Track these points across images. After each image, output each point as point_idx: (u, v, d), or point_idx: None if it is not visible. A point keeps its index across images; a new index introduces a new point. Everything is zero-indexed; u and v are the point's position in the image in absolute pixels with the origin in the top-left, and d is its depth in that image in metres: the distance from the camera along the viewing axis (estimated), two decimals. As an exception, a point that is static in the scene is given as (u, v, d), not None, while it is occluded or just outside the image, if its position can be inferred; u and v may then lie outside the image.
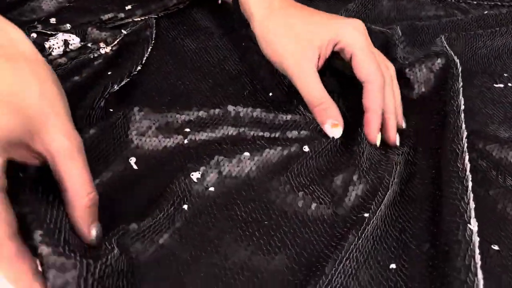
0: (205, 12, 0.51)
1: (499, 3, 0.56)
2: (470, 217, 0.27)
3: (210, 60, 0.44)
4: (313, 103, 0.36)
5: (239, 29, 0.48)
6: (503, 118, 0.42)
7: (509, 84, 0.47)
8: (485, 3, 0.56)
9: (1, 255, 0.21)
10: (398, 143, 0.37)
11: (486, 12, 0.54)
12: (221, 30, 0.49)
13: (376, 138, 0.36)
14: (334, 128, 0.35)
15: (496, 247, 0.29)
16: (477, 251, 0.25)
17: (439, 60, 0.43)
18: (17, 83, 0.24)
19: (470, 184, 0.29)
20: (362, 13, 0.53)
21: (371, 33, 0.49)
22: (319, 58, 0.37)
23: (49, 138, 0.24)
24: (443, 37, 0.47)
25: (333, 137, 0.35)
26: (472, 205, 0.28)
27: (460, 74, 0.40)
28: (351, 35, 0.37)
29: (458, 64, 0.41)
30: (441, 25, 0.52)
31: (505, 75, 0.48)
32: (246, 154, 0.33)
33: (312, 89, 0.36)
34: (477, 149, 0.37)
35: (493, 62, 0.49)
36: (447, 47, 0.45)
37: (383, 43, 0.47)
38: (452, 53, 0.44)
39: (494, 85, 0.47)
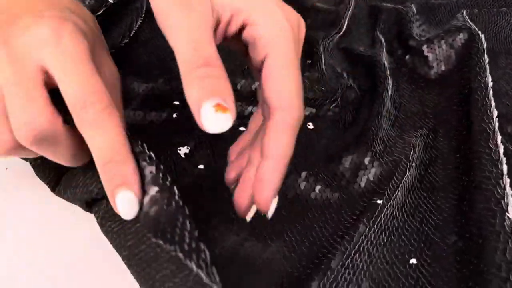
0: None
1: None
2: (508, 204, 0.23)
3: None
4: (191, 63, 0.21)
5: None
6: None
7: (537, 66, 0.42)
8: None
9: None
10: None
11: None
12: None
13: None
14: (219, 113, 0.20)
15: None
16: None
17: (461, 35, 0.38)
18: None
19: (505, 167, 0.25)
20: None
21: (382, 10, 0.45)
22: (215, 27, 0.23)
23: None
24: (464, 12, 0.43)
25: (334, 113, 0.30)
26: (509, 191, 0.23)
27: (486, 50, 0.36)
28: (271, 19, 0.23)
29: (483, 39, 0.37)
30: (459, 3, 0.48)
31: (532, 56, 0.43)
32: (242, 129, 0.28)
33: (201, 39, 0.21)
34: (505, 133, 0.33)
35: (517, 43, 0.45)
36: (469, 21, 0.41)
37: (396, 20, 0.43)
38: (476, 28, 0.40)
39: (520, 66, 0.43)
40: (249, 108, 0.32)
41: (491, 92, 0.31)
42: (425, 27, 0.43)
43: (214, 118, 0.20)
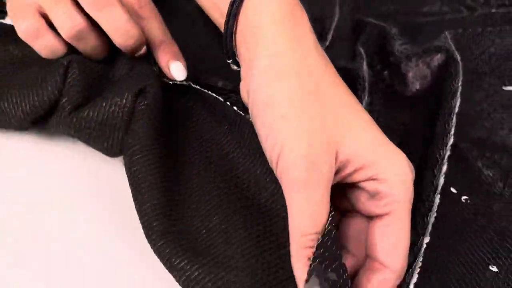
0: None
1: (507, 3, 0.51)
2: (424, 233, 0.22)
3: (192, 48, 0.40)
4: (302, 242, 0.21)
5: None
6: (513, 124, 0.37)
7: (520, 87, 0.42)
8: (492, 1, 0.51)
9: None
10: None
11: (493, 10, 0.49)
12: (205, 15, 0.45)
13: None
14: None
15: (494, 268, 0.24)
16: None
17: (438, 56, 0.38)
18: None
19: (437, 199, 0.24)
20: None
21: (367, 25, 0.45)
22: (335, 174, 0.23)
23: None
24: (447, 33, 0.42)
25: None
26: (431, 221, 0.23)
27: (461, 74, 0.35)
28: (404, 182, 0.22)
29: (459, 61, 0.36)
30: (444, 22, 0.47)
31: (515, 77, 0.43)
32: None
33: (316, 216, 0.21)
34: (483, 157, 0.32)
35: (502, 62, 0.44)
36: (450, 42, 0.41)
37: (379, 35, 0.43)
38: (455, 50, 0.39)
39: (503, 87, 0.42)
40: None
41: (454, 119, 0.31)
42: (407, 46, 0.42)
43: None
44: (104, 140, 0.29)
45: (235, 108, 0.31)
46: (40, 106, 0.29)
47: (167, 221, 0.25)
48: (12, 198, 0.30)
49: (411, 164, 0.23)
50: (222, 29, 0.27)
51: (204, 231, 0.25)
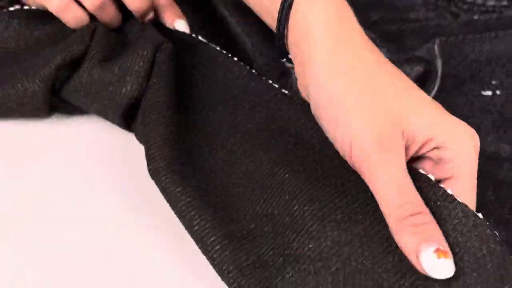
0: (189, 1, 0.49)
1: (490, 9, 0.54)
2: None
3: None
4: (402, 210, 0.23)
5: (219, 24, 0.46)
6: (491, 128, 0.40)
7: (497, 92, 0.45)
8: (476, 8, 0.54)
9: None
10: None
11: (475, 17, 0.52)
12: (201, 22, 0.47)
13: None
14: (442, 259, 0.21)
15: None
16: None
17: (418, 67, 0.40)
18: None
19: None
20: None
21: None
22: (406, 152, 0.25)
23: None
24: (431, 43, 0.45)
25: None
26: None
27: (437, 85, 0.38)
28: (465, 148, 0.25)
29: (439, 73, 0.39)
30: (429, 29, 0.50)
31: (493, 82, 0.46)
32: None
33: (403, 186, 0.23)
34: None
35: (482, 68, 0.47)
36: (435, 50, 0.43)
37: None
38: (439, 58, 0.42)
39: (482, 92, 0.45)
40: None
41: None
42: (389, 55, 0.45)
43: (437, 264, 0.21)
44: (124, 85, 0.34)
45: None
46: (71, 58, 0.35)
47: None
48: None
49: (474, 132, 0.25)
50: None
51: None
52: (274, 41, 0.30)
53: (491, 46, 0.47)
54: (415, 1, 0.52)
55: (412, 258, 0.22)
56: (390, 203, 0.23)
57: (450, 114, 0.26)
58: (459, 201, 0.23)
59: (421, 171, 0.25)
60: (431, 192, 0.24)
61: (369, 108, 0.24)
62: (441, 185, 0.24)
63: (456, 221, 0.23)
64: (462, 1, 0.55)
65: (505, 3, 0.55)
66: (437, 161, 0.25)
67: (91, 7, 0.37)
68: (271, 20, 0.31)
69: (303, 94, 0.30)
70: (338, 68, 0.25)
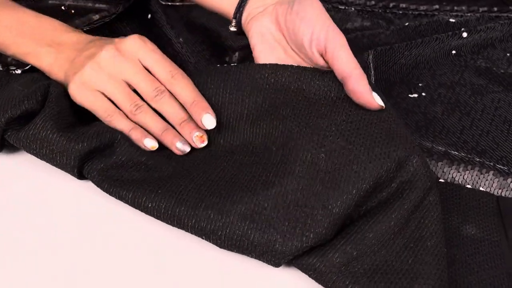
0: (134, 26, 0.52)
1: (423, 13, 0.58)
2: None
3: None
4: (351, 72, 0.34)
5: (166, 46, 0.49)
6: (415, 128, 0.44)
7: (423, 94, 0.49)
8: (410, 12, 0.58)
9: None
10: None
11: (407, 23, 0.56)
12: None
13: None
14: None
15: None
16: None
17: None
18: None
19: None
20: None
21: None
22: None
23: None
24: (366, 54, 0.48)
25: None
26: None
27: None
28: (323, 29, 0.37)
29: (372, 81, 0.43)
30: (364, 38, 0.54)
31: (420, 85, 0.50)
32: None
33: (348, 58, 0.34)
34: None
35: (410, 71, 0.51)
36: (370, 60, 0.47)
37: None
38: (372, 71, 0.46)
39: (409, 95, 0.49)
40: None
41: None
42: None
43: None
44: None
45: None
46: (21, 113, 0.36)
47: None
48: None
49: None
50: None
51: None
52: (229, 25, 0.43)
53: (418, 50, 0.51)
54: (351, 11, 0.56)
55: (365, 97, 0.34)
56: (350, 66, 0.34)
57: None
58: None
59: None
60: None
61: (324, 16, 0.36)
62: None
63: None
64: (397, 7, 0.59)
65: (436, 6, 0.59)
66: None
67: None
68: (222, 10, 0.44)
69: (261, 57, 0.40)
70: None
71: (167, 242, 0.34)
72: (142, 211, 0.35)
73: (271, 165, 0.35)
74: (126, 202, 0.35)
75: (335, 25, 0.36)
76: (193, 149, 0.38)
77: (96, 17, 0.49)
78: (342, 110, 0.35)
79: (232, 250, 0.32)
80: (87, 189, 0.37)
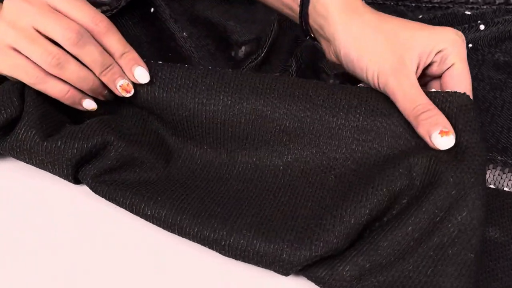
0: (136, 20, 0.50)
1: (437, 5, 0.56)
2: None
3: None
4: (416, 110, 0.32)
5: (169, 40, 0.47)
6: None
7: (439, 90, 0.46)
8: (423, 5, 0.56)
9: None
10: None
11: (421, 16, 0.53)
12: (149, 38, 0.48)
13: None
14: (444, 136, 0.30)
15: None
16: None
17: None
18: None
19: None
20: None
21: (302, 41, 0.48)
22: (418, 67, 0.34)
23: None
24: None
25: None
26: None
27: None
28: (456, 44, 0.34)
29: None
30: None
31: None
32: None
33: (414, 95, 0.32)
34: None
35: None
36: None
37: (313, 52, 0.47)
38: None
39: (424, 90, 0.47)
40: None
41: None
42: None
43: (442, 141, 0.30)
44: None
45: None
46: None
47: None
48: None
49: (457, 31, 0.35)
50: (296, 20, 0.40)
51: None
52: (300, 26, 0.40)
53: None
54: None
55: (427, 140, 0.31)
56: (407, 107, 0.32)
57: (435, 26, 0.35)
58: (456, 92, 0.32)
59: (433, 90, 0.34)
60: (437, 97, 0.32)
61: (383, 48, 0.34)
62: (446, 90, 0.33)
63: (455, 107, 0.32)
64: (410, 0, 0.57)
65: (451, -1, 0.57)
66: (441, 60, 0.34)
67: (70, 45, 0.33)
68: (291, 12, 0.41)
69: (334, 59, 0.38)
70: (353, 29, 0.35)
71: (167, 242, 0.33)
72: (141, 217, 0.33)
73: (279, 185, 0.33)
74: (125, 208, 0.33)
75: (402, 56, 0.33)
76: (190, 154, 0.36)
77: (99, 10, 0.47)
78: (352, 129, 0.33)
79: (237, 260, 0.30)
80: (86, 187, 0.35)
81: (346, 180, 0.32)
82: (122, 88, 0.34)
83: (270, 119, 0.34)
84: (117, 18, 0.49)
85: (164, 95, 0.35)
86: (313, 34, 0.40)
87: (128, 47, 0.35)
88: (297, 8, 0.39)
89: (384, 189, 0.29)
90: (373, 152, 0.32)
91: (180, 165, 0.36)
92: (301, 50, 0.46)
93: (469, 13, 0.54)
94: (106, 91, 0.36)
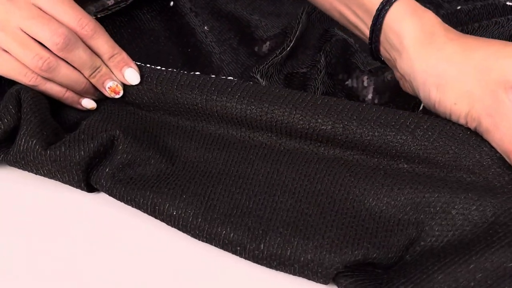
0: (154, 13, 0.48)
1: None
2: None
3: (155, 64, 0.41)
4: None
5: (188, 35, 0.45)
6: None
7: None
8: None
9: None
10: None
11: (459, 7, 0.49)
12: (167, 33, 0.45)
13: None
14: None
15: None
16: None
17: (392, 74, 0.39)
18: None
19: None
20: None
21: (333, 36, 0.45)
22: None
23: None
24: None
25: None
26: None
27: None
28: None
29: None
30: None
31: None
32: None
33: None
34: None
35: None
36: None
37: (344, 47, 0.43)
38: None
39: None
40: None
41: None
42: (370, 59, 0.43)
43: None
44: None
45: None
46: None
47: None
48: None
49: None
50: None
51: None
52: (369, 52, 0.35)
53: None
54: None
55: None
56: (506, 149, 0.28)
57: None
58: None
59: None
60: None
61: (472, 86, 0.29)
62: None
63: None
64: (446, -10, 0.53)
65: (490, -11, 0.52)
66: None
67: (57, 48, 0.33)
68: (360, 34, 0.36)
69: (410, 92, 0.34)
70: (433, 67, 0.30)
71: (168, 242, 0.30)
72: (163, 220, 0.30)
73: (314, 169, 0.31)
74: (145, 211, 0.30)
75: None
76: (206, 133, 0.34)
77: (111, 1, 0.44)
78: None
79: (271, 264, 0.28)
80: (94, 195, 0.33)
81: (400, 179, 0.29)
82: (110, 89, 0.35)
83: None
84: (134, 11, 0.47)
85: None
86: (387, 64, 0.35)
87: (117, 49, 0.34)
88: (366, 31, 0.34)
89: (438, 207, 0.27)
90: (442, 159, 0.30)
91: (195, 146, 0.33)
92: (331, 44, 0.43)
93: (510, 4, 0.50)
94: (98, 92, 0.35)
